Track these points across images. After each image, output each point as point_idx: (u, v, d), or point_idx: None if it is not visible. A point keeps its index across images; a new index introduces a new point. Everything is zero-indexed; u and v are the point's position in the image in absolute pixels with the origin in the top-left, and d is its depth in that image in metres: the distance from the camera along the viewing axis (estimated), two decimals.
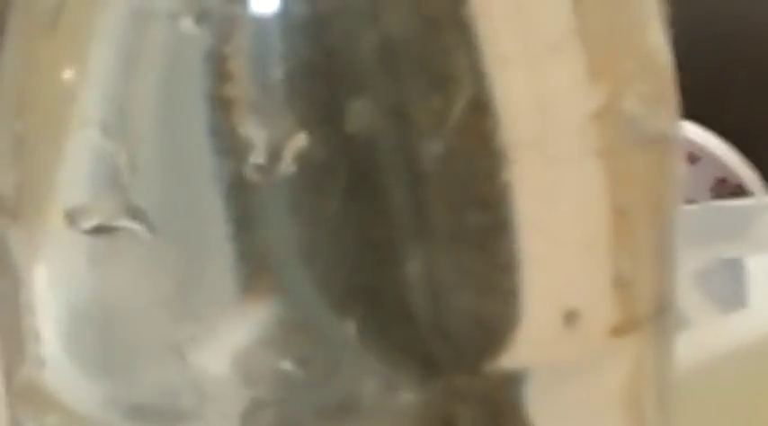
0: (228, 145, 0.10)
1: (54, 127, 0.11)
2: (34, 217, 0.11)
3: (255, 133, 0.10)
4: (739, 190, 0.42)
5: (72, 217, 0.11)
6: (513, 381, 0.11)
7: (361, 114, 0.10)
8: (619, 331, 0.11)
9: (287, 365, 0.10)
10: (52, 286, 0.11)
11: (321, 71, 0.10)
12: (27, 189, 0.11)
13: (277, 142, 0.10)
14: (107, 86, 0.10)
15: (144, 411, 0.11)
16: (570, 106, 0.10)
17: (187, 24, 0.10)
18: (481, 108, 0.10)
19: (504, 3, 0.10)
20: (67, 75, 0.11)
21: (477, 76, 0.10)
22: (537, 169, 0.10)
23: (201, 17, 0.10)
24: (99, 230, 0.10)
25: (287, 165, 0.10)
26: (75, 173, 0.11)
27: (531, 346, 0.10)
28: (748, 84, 0.44)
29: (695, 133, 0.41)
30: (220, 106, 0.10)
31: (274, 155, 0.10)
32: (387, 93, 0.10)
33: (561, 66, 0.10)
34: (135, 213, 0.10)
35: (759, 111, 0.44)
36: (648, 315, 0.11)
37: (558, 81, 0.10)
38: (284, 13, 0.10)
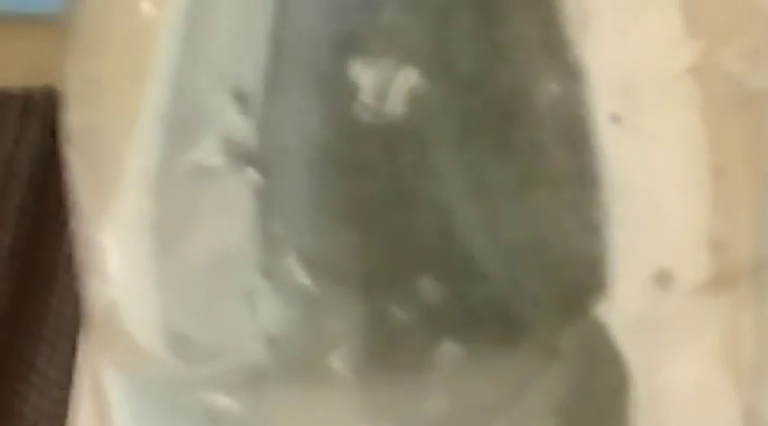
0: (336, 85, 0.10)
1: (132, 67, 0.11)
2: (108, 156, 0.11)
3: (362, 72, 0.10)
4: None
5: (166, 157, 0.11)
6: (604, 339, 0.11)
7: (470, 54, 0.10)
8: (714, 290, 0.11)
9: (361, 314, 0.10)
10: (122, 224, 0.11)
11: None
12: (101, 129, 0.11)
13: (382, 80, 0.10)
14: (194, 20, 0.10)
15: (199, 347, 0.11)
16: (664, 60, 0.10)
17: None
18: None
19: None
20: (147, 8, 0.11)
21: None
22: (630, 125, 0.10)
23: None
24: (196, 170, 0.10)
25: (393, 105, 0.10)
26: (162, 115, 0.11)
27: (620, 304, 0.10)
28: None
29: None
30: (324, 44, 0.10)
31: (380, 93, 0.10)
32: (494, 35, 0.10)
33: (654, 18, 0.10)
34: (241, 155, 0.10)
35: None
36: (746, 274, 0.11)
37: (650, 34, 0.10)
38: None
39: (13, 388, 0.26)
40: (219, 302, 0.11)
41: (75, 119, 0.12)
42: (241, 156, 0.10)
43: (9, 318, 0.27)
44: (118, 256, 0.11)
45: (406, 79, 0.10)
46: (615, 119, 0.10)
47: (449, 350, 0.10)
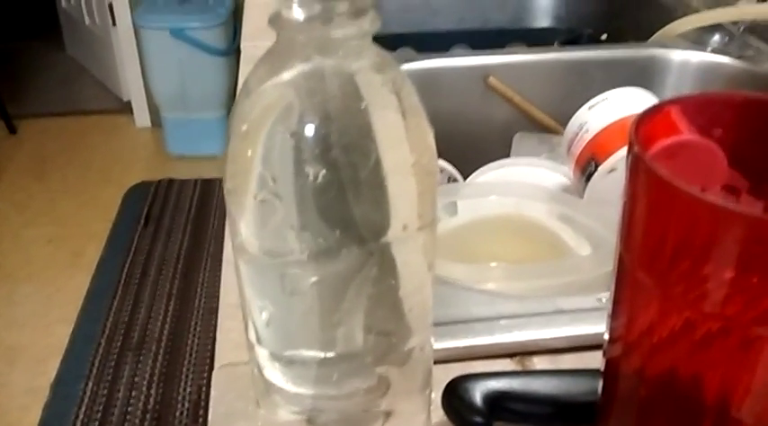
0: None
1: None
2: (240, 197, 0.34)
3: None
4: None
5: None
6: (389, 246, 0.32)
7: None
8: (421, 228, 0.31)
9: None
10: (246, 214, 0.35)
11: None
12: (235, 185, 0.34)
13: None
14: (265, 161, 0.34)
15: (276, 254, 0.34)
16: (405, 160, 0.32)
17: None
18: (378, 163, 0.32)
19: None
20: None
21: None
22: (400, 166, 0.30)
23: None
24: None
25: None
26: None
27: (393, 233, 0.30)
28: None
29: None
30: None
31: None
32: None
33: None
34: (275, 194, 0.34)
35: None
36: (429, 224, 0.31)
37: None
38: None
39: None
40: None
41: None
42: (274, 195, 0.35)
43: None
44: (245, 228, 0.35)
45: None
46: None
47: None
